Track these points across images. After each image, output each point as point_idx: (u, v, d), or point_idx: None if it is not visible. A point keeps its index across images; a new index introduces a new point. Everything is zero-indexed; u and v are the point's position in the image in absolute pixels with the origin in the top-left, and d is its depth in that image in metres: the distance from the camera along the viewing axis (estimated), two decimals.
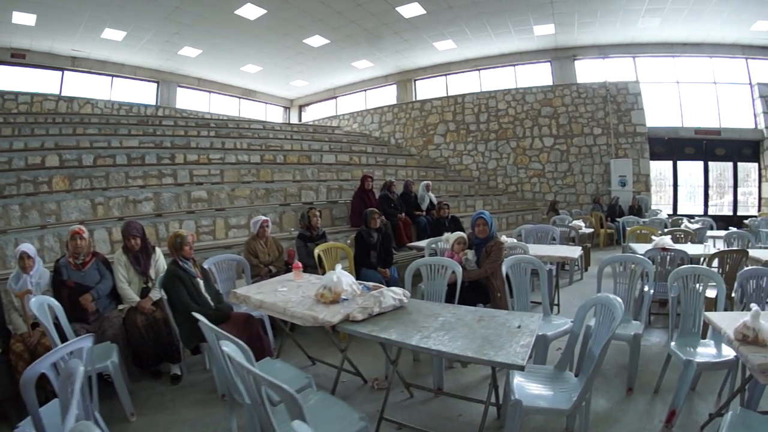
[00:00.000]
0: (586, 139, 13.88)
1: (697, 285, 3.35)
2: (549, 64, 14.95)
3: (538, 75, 15.20)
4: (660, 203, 14.08)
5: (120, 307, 4.12)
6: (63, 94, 13.78)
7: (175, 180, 8.22)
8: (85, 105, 13.75)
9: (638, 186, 13.31)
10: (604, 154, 13.70)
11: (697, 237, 7.09)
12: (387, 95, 18.00)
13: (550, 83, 14.69)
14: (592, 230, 8.95)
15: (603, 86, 13.75)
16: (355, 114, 18.05)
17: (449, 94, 16.13)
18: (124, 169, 7.91)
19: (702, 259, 5.16)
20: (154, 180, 7.96)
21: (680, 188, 14.22)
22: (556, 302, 5.62)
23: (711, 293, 3.53)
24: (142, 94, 15.98)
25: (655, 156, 13.72)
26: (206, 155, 9.85)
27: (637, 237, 7.09)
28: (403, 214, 8.17)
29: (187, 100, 17.20)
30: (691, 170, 14.12)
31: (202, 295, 3.79)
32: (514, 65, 15.51)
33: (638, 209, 12.19)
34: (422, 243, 6.44)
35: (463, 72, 16.31)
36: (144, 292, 4.13)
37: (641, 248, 5.53)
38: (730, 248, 5.40)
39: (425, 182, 9.28)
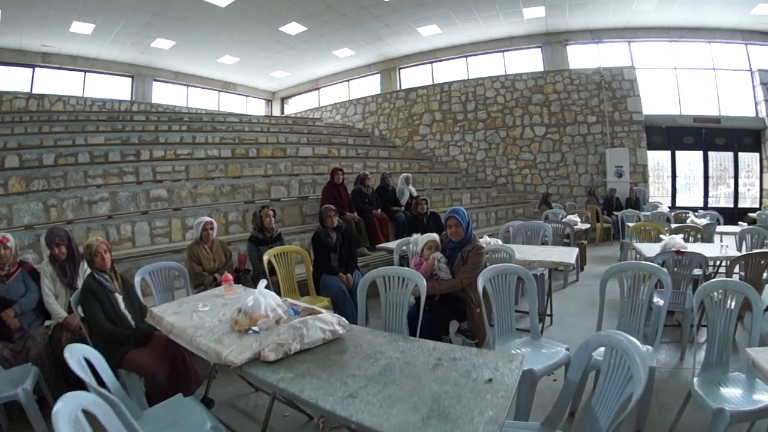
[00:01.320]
0: (580, 128, 13.17)
1: (729, 302, 2.57)
2: (540, 49, 14.22)
3: (529, 61, 14.49)
4: (657, 195, 13.43)
5: (47, 323, 3.68)
6: (34, 92, 13.25)
7: (137, 178, 7.75)
8: (57, 102, 13.22)
9: (635, 177, 12.62)
10: (599, 144, 13.00)
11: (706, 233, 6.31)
12: (371, 85, 17.29)
13: (541, 69, 13.96)
14: (588, 226, 8.13)
15: (597, 72, 13.04)
16: (338, 105, 17.35)
17: (435, 82, 15.43)
18: (83, 167, 7.40)
19: (717, 263, 4.42)
20: (114, 179, 7.50)
21: (679, 179, 13.57)
22: (548, 311, 4.86)
23: None
24: (116, 89, 15.38)
25: (653, 145, 13.05)
26: (173, 150, 9.27)
27: (640, 234, 6.28)
28: (379, 211, 7.49)
29: (164, 94, 16.62)
30: (689, 160, 13.44)
31: (121, 313, 3.23)
32: (503, 51, 14.75)
33: (636, 201, 11.53)
34: (392, 244, 5.66)
35: (449, 59, 15.58)
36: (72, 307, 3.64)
37: (647, 249, 4.79)
38: (759, 251, 4.58)
39: (404, 174, 8.55)
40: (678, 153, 13.37)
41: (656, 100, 13.18)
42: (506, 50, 14.69)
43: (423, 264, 3.64)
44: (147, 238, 6.29)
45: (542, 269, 4.74)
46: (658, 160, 13.57)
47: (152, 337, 3.18)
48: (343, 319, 2.42)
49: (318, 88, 18.95)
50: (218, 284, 4.47)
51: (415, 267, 3.64)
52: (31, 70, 13.59)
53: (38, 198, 6.10)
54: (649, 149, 12.88)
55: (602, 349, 1.88)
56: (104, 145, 8.82)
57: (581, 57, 13.87)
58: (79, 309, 3.31)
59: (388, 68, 16.61)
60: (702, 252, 3.99)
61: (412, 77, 16.52)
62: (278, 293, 4.59)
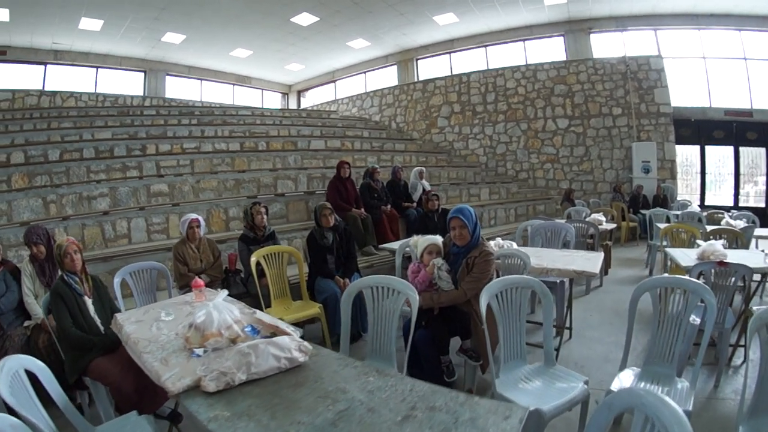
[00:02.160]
0: (605, 120, 12.43)
1: None
2: (562, 38, 13.50)
3: (550, 50, 13.76)
4: (685, 193, 12.62)
5: (26, 323, 3.57)
6: (46, 89, 13.19)
7: (140, 173, 7.54)
8: (69, 98, 13.05)
9: (663, 173, 11.85)
10: (625, 137, 12.25)
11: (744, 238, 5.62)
12: (388, 77, 16.79)
13: (564, 59, 13.25)
14: (614, 225, 7.52)
15: (622, 61, 12.26)
16: (354, 98, 16.89)
17: (453, 73, 14.82)
18: (86, 163, 7.33)
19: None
20: (117, 174, 7.36)
21: (708, 176, 12.70)
22: (567, 324, 4.36)
23: None
24: (129, 85, 15.31)
25: (681, 140, 12.23)
26: (180, 145, 9.12)
27: (672, 238, 5.63)
28: (389, 207, 7.07)
29: (178, 89, 16.50)
30: (719, 156, 12.56)
31: (89, 318, 3.04)
32: (523, 40, 14.08)
33: (664, 199, 10.84)
34: (395, 245, 5.21)
35: (467, 49, 14.95)
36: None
37: (681, 256, 4.23)
38: None
39: (417, 168, 8.11)
40: (708, 148, 12.53)
41: (685, 92, 12.35)
42: (527, 39, 14.02)
43: (421, 271, 3.18)
44: (144, 235, 6.09)
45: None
46: (686, 155, 12.75)
47: (119, 347, 2.89)
48: (305, 343, 2.02)
49: (334, 81, 18.54)
50: (207, 285, 4.25)
51: (412, 275, 3.19)
52: (43, 67, 13.60)
53: (38, 194, 5.96)
54: (677, 144, 12.10)
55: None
56: (110, 140, 8.71)
57: (605, 46, 13.12)
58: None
59: (405, 59, 16.09)
60: (744, 262, 3.42)
61: (429, 68, 15.95)
62: (268, 296, 4.29)
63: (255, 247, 4.53)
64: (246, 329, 2.29)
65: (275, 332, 2.27)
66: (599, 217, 6.90)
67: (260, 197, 7.26)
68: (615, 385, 2.42)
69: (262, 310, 4.11)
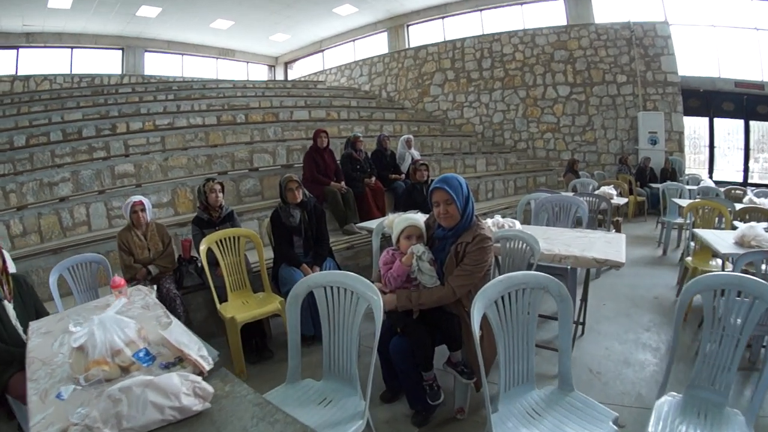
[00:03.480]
0: (609, 88, 11.67)
1: None
2: (562, 1, 12.63)
3: (550, 15, 12.89)
4: (693, 167, 11.99)
5: None
6: (19, 74, 12.42)
7: (107, 153, 6.99)
8: (43, 82, 12.23)
9: (670, 145, 11.16)
10: (630, 106, 11.52)
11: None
12: (378, 45, 15.96)
13: (564, 23, 12.39)
14: (625, 200, 6.73)
15: (627, 26, 11.46)
16: (343, 67, 16.07)
17: (447, 39, 13.97)
18: (51, 147, 6.84)
19: None
20: (84, 156, 6.82)
21: (716, 149, 12.07)
22: (581, 319, 3.65)
23: None
24: (107, 64, 14.57)
25: (689, 111, 11.54)
26: (152, 121, 8.50)
27: (696, 216, 4.82)
28: (374, 179, 6.42)
29: (158, 65, 15.73)
30: (729, 129, 11.93)
31: (10, 326, 2.62)
32: (521, 4, 13.25)
33: (672, 173, 10.16)
34: (374, 223, 4.51)
35: (462, 13, 14.11)
36: None
37: (716, 240, 3.56)
38: None
39: (405, 136, 7.47)
40: (716, 120, 11.87)
41: (693, 62, 11.61)
42: (524, 3, 13.21)
43: (396, 262, 2.44)
44: (104, 221, 5.49)
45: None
46: (693, 127, 12.08)
47: None
48: (204, 384, 1.37)
49: (322, 50, 17.68)
50: (154, 279, 3.77)
51: (384, 267, 2.48)
52: (15, 51, 12.93)
53: None
54: (685, 115, 11.41)
55: None
56: (79, 122, 8.11)
57: (608, 10, 12.28)
58: None
59: (396, 25, 15.22)
60: None
61: (421, 35, 15.12)
62: (224, 289, 3.63)
63: (210, 230, 3.88)
64: (139, 354, 1.66)
65: (181, 358, 1.66)
66: (609, 190, 6.10)
67: (233, 173, 6.69)
68: (654, 427, 1.76)
69: (217, 305, 3.51)
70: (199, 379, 1.46)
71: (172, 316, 2.20)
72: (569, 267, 3.37)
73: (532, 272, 1.96)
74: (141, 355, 1.65)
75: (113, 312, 1.80)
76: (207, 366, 1.63)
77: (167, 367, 1.63)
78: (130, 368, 1.62)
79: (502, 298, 1.93)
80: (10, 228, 4.74)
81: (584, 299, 3.59)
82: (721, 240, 3.53)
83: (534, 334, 2.01)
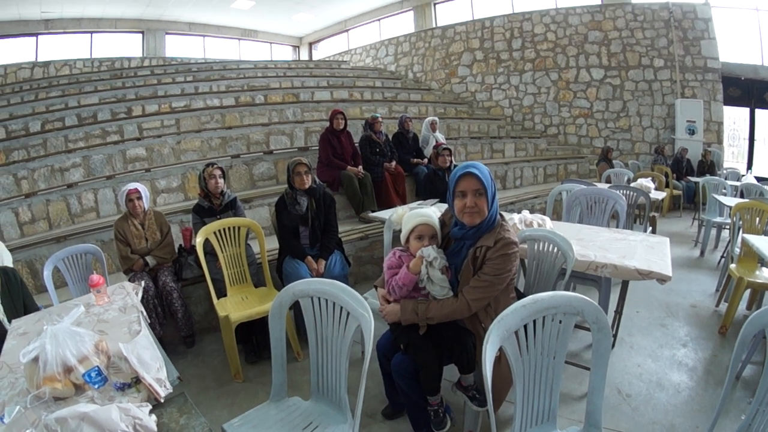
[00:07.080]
0: (645, 73, 10.95)
1: None
2: None
3: None
4: (730, 160, 11.24)
5: None
6: (39, 60, 12.47)
7: (121, 137, 6.88)
8: (63, 67, 12.24)
9: (709, 136, 10.44)
10: (668, 93, 10.77)
11: None
12: (404, 24, 15.48)
13: (599, 2, 11.64)
14: (664, 194, 6.07)
15: (665, 7, 10.65)
16: (368, 47, 15.63)
17: (475, 18, 13.37)
18: (65, 132, 6.72)
19: None
20: (97, 140, 6.70)
21: (757, 143, 11.24)
22: (613, 332, 3.23)
23: None
24: (127, 48, 14.48)
25: (728, 100, 10.74)
26: (168, 104, 8.36)
27: (744, 217, 4.18)
28: (394, 163, 6.09)
29: (179, 47, 15.58)
30: None
31: None
32: None
33: (710, 165, 9.53)
34: (384, 213, 4.17)
35: None
36: None
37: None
38: None
39: (429, 118, 7.07)
40: (758, 111, 11.03)
41: (734, 47, 10.78)
42: None
43: (402, 268, 2.08)
44: (112, 207, 5.37)
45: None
46: (734, 118, 11.28)
47: None
48: (148, 424, 1.15)
49: (347, 30, 17.23)
50: (152, 269, 3.59)
51: (389, 272, 2.14)
52: (35, 39, 13.04)
53: (9, 171, 5.36)
54: (724, 104, 10.64)
55: None
56: (95, 105, 8.03)
57: None
58: None
59: (422, 4, 14.69)
60: None
61: (449, 14, 14.56)
62: (222, 282, 3.42)
63: (210, 219, 3.64)
64: (91, 373, 1.45)
65: (137, 380, 1.44)
66: (647, 182, 5.43)
67: (246, 156, 6.44)
68: None
69: (214, 300, 3.28)
70: (142, 414, 1.23)
71: (143, 324, 1.96)
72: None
73: (563, 293, 1.58)
74: (93, 374, 1.45)
75: (69, 323, 1.59)
76: (163, 392, 1.45)
77: (122, 388, 1.46)
78: (84, 386, 1.44)
79: (525, 327, 1.57)
80: (19, 215, 4.71)
81: (619, 312, 3.21)
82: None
83: (562, 371, 1.67)
